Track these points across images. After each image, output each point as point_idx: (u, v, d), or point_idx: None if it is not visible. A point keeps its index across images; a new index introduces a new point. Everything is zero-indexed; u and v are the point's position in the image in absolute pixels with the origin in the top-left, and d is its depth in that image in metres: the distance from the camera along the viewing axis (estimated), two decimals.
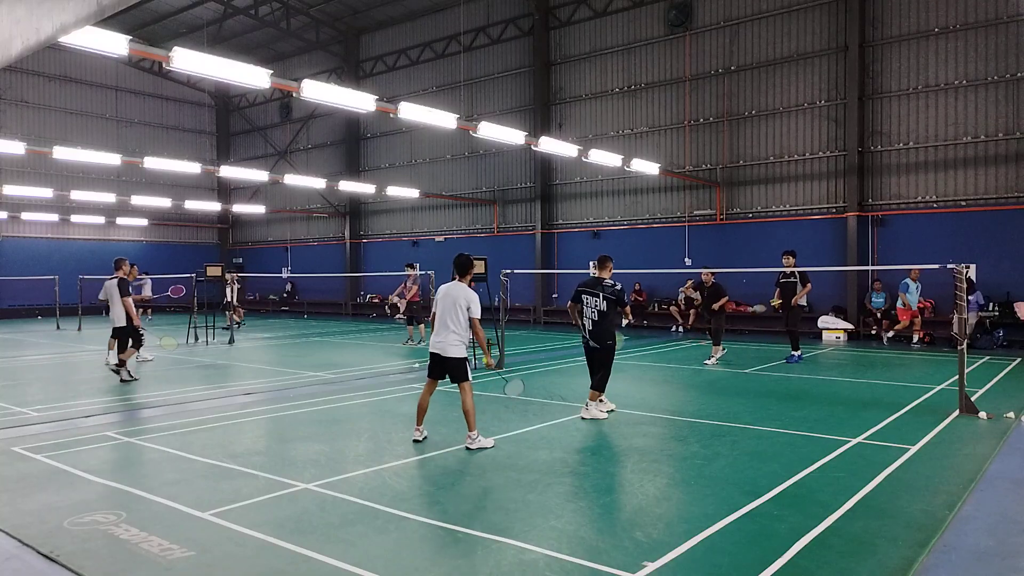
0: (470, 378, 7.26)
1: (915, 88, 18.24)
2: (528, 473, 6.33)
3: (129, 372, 11.87)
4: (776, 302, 14.35)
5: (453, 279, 7.52)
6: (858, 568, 4.26)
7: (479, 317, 7.29)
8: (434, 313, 7.44)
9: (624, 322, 9.66)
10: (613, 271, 8.84)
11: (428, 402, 7.55)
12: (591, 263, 22.95)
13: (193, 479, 6.24)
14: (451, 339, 7.19)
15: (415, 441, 7.46)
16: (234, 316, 20.28)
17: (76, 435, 8.00)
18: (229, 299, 21.20)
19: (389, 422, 8.70)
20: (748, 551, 4.53)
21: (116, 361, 11.97)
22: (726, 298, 14.25)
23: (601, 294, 8.36)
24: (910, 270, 16.69)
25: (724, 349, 14.16)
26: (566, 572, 4.27)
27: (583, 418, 8.45)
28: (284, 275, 33.62)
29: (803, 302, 14.03)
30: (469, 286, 7.42)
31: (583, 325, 8.55)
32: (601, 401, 8.71)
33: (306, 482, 6.07)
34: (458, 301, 7.23)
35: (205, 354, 16.13)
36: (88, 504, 5.54)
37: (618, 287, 8.40)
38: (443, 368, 7.30)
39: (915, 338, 16.88)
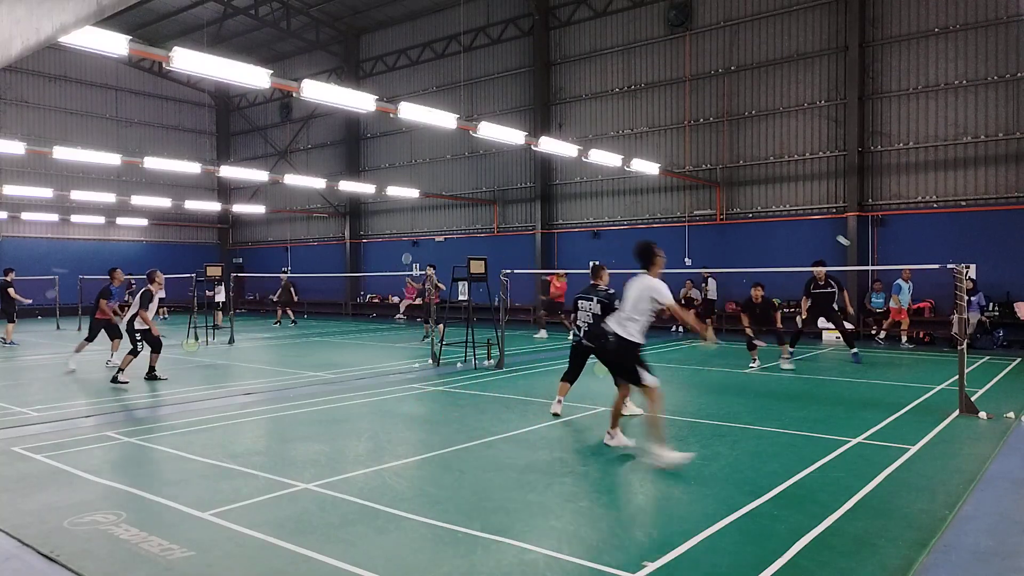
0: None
1: (915, 88, 18.24)
2: (528, 473, 6.33)
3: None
4: (805, 314, 14.11)
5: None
6: (858, 568, 4.26)
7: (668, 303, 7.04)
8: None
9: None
10: (610, 274, 8.94)
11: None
12: (591, 263, 22.99)
13: (193, 479, 6.24)
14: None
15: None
16: (223, 317, 20.26)
17: (76, 435, 8.00)
18: (220, 299, 21.20)
19: (389, 422, 8.70)
20: (748, 551, 4.53)
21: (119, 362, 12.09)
22: (778, 313, 13.75)
23: (595, 298, 8.50)
24: (902, 271, 16.64)
25: (791, 348, 13.65)
26: (566, 572, 4.27)
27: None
28: (284, 275, 33.56)
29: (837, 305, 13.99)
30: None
31: (578, 327, 8.71)
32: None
33: (306, 482, 6.06)
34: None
35: (205, 354, 16.13)
36: (88, 504, 5.54)
37: (611, 291, 8.44)
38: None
39: (903, 338, 16.84)
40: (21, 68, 29.68)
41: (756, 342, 13.58)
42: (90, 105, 32.08)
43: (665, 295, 6.91)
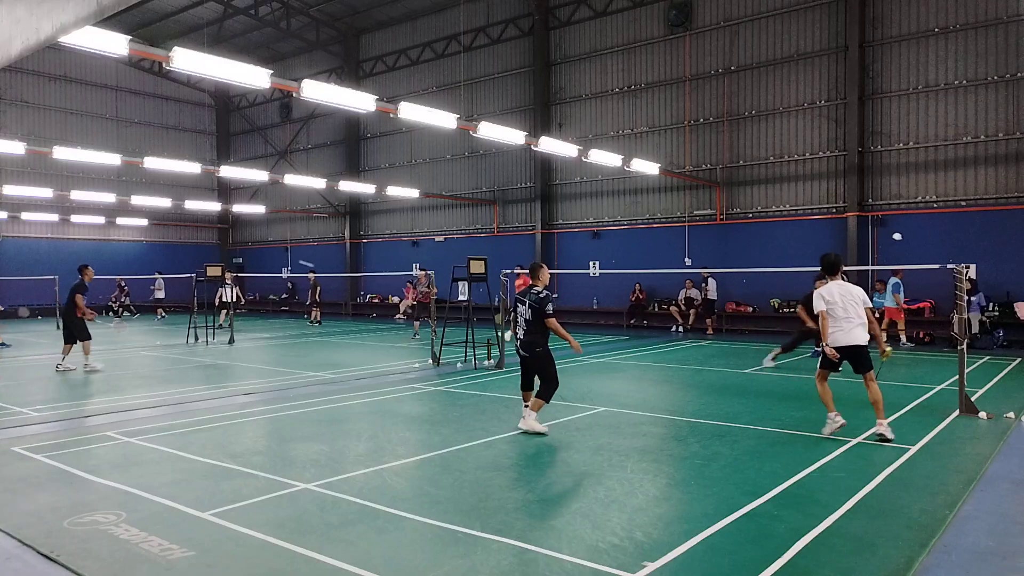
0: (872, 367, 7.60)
1: (915, 88, 18.24)
2: (528, 473, 6.33)
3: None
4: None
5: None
6: (858, 568, 4.26)
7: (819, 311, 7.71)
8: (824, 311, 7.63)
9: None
10: (548, 275, 8.42)
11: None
12: (592, 264, 23.09)
13: (193, 479, 6.24)
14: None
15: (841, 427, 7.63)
16: (228, 316, 20.34)
17: (76, 435, 8.00)
18: (227, 299, 21.24)
19: (389, 422, 8.70)
20: (748, 551, 4.53)
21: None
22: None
23: (527, 301, 7.89)
24: (896, 270, 16.55)
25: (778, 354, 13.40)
26: (566, 572, 4.27)
27: (521, 428, 7.82)
28: (284, 275, 33.63)
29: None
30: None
31: (515, 335, 8.16)
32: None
33: (306, 482, 6.07)
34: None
35: (205, 354, 16.13)
36: (88, 504, 5.54)
37: (543, 294, 7.86)
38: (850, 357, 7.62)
39: (902, 338, 16.79)
40: (21, 68, 29.68)
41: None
42: (90, 105, 32.08)
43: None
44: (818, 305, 7.64)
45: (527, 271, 8.60)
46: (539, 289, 7.90)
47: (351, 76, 29.91)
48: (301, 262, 26.74)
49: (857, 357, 7.55)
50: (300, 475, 6.28)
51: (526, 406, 7.92)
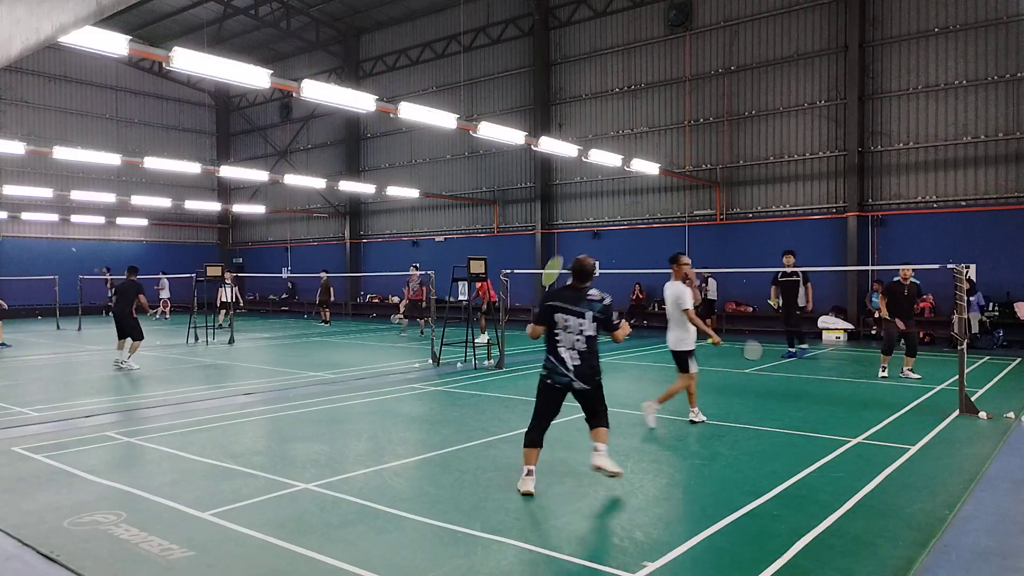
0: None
1: (915, 88, 18.24)
2: None
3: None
4: (774, 301, 14.45)
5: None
6: (858, 568, 4.26)
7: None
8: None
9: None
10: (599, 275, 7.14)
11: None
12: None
13: (193, 479, 6.24)
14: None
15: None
16: (224, 316, 20.40)
17: (76, 435, 8.00)
18: (226, 299, 21.24)
19: (389, 422, 8.70)
20: (748, 551, 4.53)
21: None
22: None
23: (588, 313, 5.75)
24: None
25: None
26: (566, 572, 4.27)
27: (604, 469, 5.81)
28: (284, 275, 33.61)
29: (803, 302, 14.14)
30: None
31: (561, 360, 5.78)
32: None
33: (306, 482, 6.06)
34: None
35: (205, 354, 16.13)
36: (88, 504, 5.54)
37: (607, 301, 5.89)
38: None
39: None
40: (21, 68, 29.68)
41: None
42: (90, 105, 32.08)
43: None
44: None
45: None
46: (598, 294, 5.88)
47: (351, 76, 29.91)
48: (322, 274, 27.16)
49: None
50: (300, 475, 6.28)
51: (597, 449, 5.86)
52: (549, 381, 5.88)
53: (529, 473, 5.82)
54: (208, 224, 37.23)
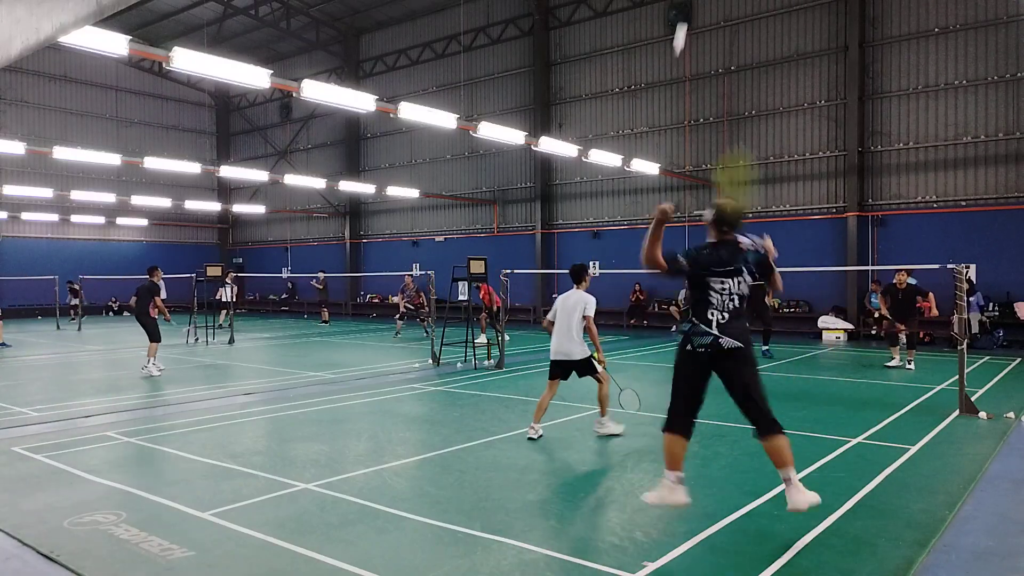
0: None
1: (915, 88, 18.25)
2: (528, 473, 6.33)
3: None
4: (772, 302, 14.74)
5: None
6: (858, 568, 4.26)
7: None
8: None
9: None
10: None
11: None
12: (592, 263, 23.06)
13: (193, 479, 6.24)
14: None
15: (531, 439, 7.59)
16: (228, 316, 20.41)
17: (76, 435, 8.00)
18: (227, 299, 21.25)
19: (389, 422, 8.70)
20: (748, 551, 4.53)
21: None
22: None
23: (744, 269, 4.84)
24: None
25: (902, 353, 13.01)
26: (566, 572, 4.27)
27: (799, 507, 4.71)
28: (284, 275, 33.62)
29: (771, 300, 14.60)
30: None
31: (706, 320, 4.80)
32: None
33: (306, 482, 6.06)
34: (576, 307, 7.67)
35: (205, 354, 16.13)
36: (88, 504, 5.54)
37: (762, 252, 5.10)
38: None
39: (901, 339, 16.74)
40: (21, 68, 29.69)
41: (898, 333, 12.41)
42: (90, 105, 32.08)
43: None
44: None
45: (716, 214, 5.02)
46: (752, 245, 5.12)
47: (351, 76, 29.91)
48: (312, 283, 27.11)
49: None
50: (300, 475, 6.28)
51: (788, 481, 4.80)
52: (688, 347, 4.81)
53: (679, 480, 4.72)
54: (208, 224, 37.23)
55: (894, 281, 12.50)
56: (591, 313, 7.62)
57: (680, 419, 4.87)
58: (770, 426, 4.75)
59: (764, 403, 4.76)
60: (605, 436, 7.67)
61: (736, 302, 4.82)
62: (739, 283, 4.83)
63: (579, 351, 7.61)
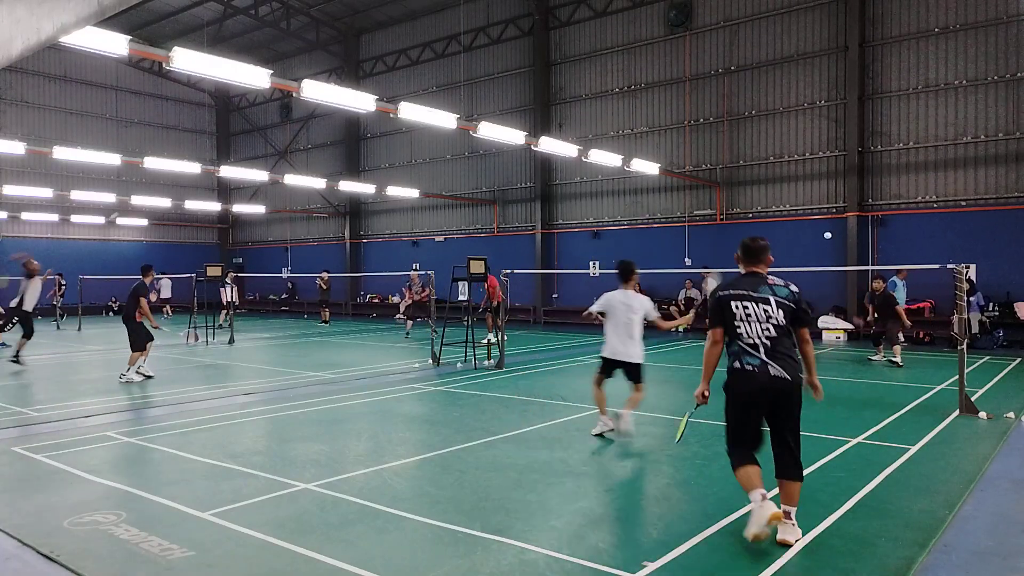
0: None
1: (915, 88, 18.24)
2: (528, 473, 6.33)
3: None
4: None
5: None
6: (858, 568, 4.26)
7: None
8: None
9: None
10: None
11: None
12: (592, 264, 23.05)
13: (193, 479, 6.24)
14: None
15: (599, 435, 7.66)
16: (228, 316, 20.42)
17: (76, 435, 8.00)
18: (229, 299, 21.27)
19: (389, 422, 8.70)
20: (748, 551, 4.52)
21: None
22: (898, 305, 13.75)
23: (772, 299, 4.75)
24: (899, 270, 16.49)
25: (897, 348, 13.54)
26: (566, 572, 4.27)
27: (784, 543, 4.60)
28: (284, 275, 33.61)
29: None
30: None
31: (746, 350, 4.75)
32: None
33: (306, 482, 6.06)
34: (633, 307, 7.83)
35: (205, 354, 16.13)
36: (88, 504, 5.54)
37: (795, 289, 4.87)
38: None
39: (901, 338, 16.73)
40: (21, 68, 29.68)
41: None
42: (90, 105, 32.08)
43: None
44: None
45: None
46: (781, 280, 4.89)
47: (351, 76, 29.91)
48: (316, 282, 27.07)
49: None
50: (300, 475, 6.28)
51: (785, 516, 4.64)
52: (738, 367, 4.78)
53: (763, 497, 4.53)
54: (208, 224, 37.23)
55: (872, 288, 14.09)
56: (655, 316, 8.07)
57: (743, 452, 4.84)
58: (791, 471, 4.82)
59: (796, 445, 4.83)
60: (605, 436, 7.66)
61: (773, 331, 4.74)
62: (768, 311, 4.75)
63: (639, 354, 7.74)
